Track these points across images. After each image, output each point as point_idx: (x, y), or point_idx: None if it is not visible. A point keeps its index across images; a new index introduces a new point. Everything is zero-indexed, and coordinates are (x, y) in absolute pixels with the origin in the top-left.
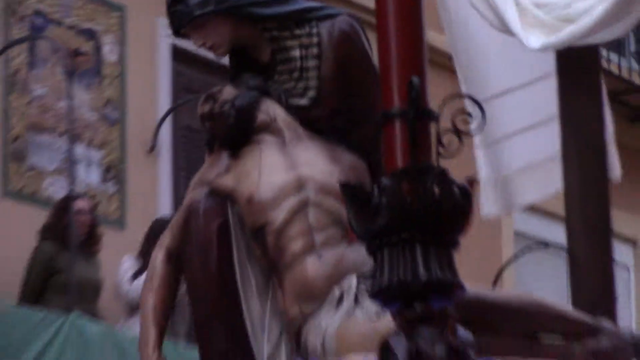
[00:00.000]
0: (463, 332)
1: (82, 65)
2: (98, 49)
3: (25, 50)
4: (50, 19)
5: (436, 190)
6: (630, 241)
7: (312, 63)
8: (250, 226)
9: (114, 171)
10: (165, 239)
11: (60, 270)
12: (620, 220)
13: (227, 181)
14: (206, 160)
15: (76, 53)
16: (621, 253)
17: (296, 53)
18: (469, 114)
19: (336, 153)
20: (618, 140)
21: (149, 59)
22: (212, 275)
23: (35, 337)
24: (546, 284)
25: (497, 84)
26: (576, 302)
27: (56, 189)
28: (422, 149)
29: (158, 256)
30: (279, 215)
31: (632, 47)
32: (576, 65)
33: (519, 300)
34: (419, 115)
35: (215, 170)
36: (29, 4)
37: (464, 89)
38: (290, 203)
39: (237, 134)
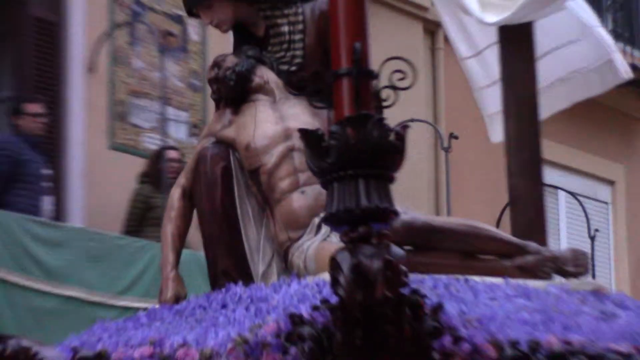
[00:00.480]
0: (397, 250)
1: (172, 44)
2: (184, 30)
3: (127, 31)
4: (147, 6)
5: (375, 134)
6: (609, 182)
7: (297, 36)
8: (248, 168)
9: (197, 129)
10: (181, 180)
11: (156, 207)
12: (602, 165)
13: (229, 132)
14: (213, 115)
15: (167, 34)
16: (602, 192)
17: (285, 29)
18: (403, 72)
19: (316, 109)
20: (601, 101)
21: (225, 38)
22: (217, 208)
23: (136, 261)
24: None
25: (485, 40)
26: (515, 228)
27: (152, 142)
28: (364, 101)
29: (175, 193)
30: (270, 159)
31: (610, 26)
32: (514, 37)
33: (461, 225)
34: (361, 74)
35: (220, 124)
36: None
37: (457, 49)
38: (279, 149)
39: (237, 94)
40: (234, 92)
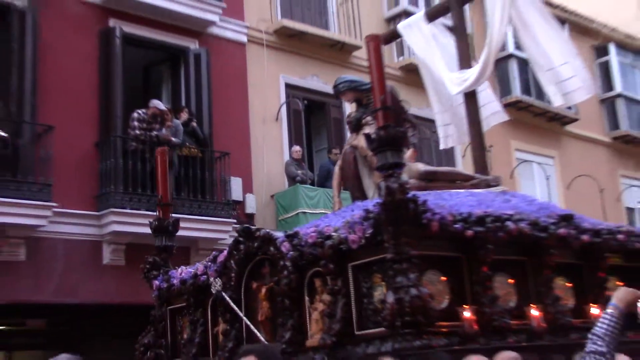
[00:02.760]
0: (405, 178)
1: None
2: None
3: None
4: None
5: (391, 132)
6: None
7: None
8: (361, 155)
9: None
10: (339, 162)
11: None
12: None
13: (355, 142)
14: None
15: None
16: None
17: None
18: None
19: None
20: None
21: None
22: (352, 172)
23: None
24: None
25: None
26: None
27: None
28: (387, 119)
29: (336, 168)
30: (369, 151)
31: None
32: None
33: (448, 169)
34: (384, 109)
35: (352, 139)
36: None
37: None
38: None
39: (356, 126)
40: (354, 126)
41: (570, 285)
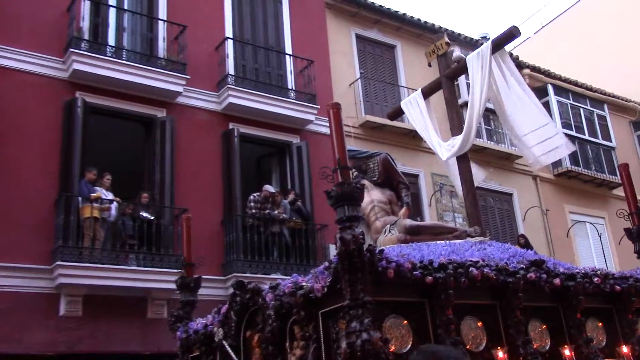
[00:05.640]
0: (358, 230)
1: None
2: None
3: (439, 193)
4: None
5: (348, 188)
6: None
7: (376, 167)
8: (363, 213)
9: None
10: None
11: None
12: None
13: None
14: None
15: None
16: None
17: (372, 165)
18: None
19: (384, 191)
20: None
21: None
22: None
23: None
24: None
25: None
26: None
27: None
28: (345, 177)
29: None
30: (367, 209)
31: None
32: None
33: (431, 224)
34: (342, 169)
35: None
36: None
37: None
38: (369, 205)
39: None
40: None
41: (545, 327)
